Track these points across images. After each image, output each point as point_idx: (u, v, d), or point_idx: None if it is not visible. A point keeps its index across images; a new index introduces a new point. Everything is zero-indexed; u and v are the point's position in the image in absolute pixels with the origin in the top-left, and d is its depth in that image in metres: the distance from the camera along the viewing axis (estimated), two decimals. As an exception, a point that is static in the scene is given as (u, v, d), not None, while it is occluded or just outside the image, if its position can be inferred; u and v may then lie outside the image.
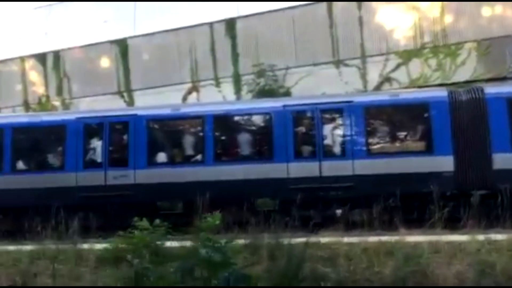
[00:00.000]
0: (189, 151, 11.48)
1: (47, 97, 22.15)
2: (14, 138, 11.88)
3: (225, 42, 19.91)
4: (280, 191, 10.46)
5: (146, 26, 21.08)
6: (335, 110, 10.97)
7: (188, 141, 11.57)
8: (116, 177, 11.06)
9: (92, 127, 11.73)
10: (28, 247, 8.95)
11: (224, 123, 11.64)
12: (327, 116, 11.00)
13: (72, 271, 7.46)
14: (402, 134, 11.13)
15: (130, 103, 20.96)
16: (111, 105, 18.70)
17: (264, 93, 18.15)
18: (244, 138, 11.28)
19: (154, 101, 18.16)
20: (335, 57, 18.38)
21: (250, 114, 11.60)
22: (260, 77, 18.79)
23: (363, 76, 18.10)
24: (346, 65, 18.26)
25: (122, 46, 21.35)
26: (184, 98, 20.09)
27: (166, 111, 11.79)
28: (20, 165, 11.92)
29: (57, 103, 21.97)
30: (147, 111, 11.91)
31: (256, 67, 18.69)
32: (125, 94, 21.29)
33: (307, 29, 18.73)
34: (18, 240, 9.79)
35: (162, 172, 11.07)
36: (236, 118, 11.72)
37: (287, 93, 18.19)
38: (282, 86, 18.70)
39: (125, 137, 11.59)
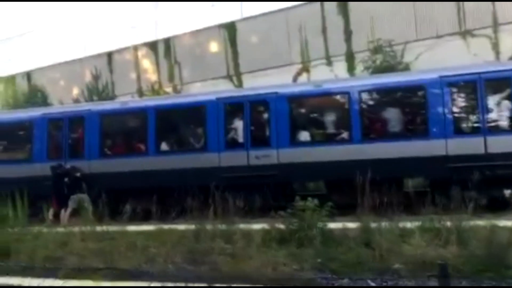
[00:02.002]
0: (334, 129, 11.05)
1: (160, 83, 22.82)
2: (157, 120, 12.12)
3: (336, 20, 19.18)
4: (436, 170, 9.69)
5: (253, 7, 20.92)
6: (502, 79, 9.86)
7: (333, 118, 11.12)
8: (259, 157, 10.92)
9: (233, 107, 11.62)
10: (182, 227, 9.10)
11: (371, 98, 11.01)
12: (493, 85, 9.92)
13: (244, 250, 7.37)
14: None
15: (239, 86, 20.98)
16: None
17: (381, 70, 17.22)
18: (394, 113, 10.58)
19: (264, 83, 17.96)
20: (461, 28, 16.91)
21: (400, 88, 10.82)
22: (376, 54, 17.85)
23: (495, 46, 16.50)
24: (474, 35, 16.76)
25: (230, 30, 21.38)
26: (294, 79, 19.69)
27: (308, 88, 11.41)
28: (164, 146, 12.18)
29: (168, 89, 22.58)
30: (288, 88, 11.58)
31: (372, 43, 17.75)
32: (234, 78, 21.35)
33: (428, -2, 17.40)
34: (170, 220, 9.98)
35: (306, 151, 10.72)
36: (384, 92, 11.01)
37: (407, 69, 17.10)
38: (401, 62, 17.62)
39: (266, 116, 11.37)
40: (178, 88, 22.44)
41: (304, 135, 11.10)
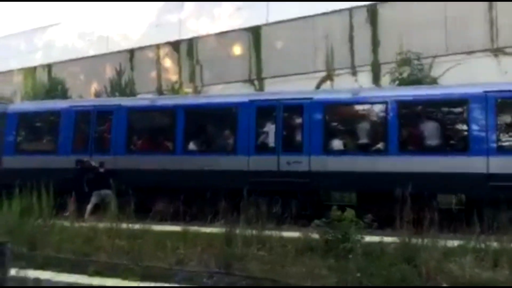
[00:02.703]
0: (370, 139, 10.76)
1: (180, 83, 22.66)
2: (186, 119, 11.92)
3: (364, 29, 18.97)
4: (476, 188, 9.39)
5: (279, 13, 20.75)
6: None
7: (369, 128, 10.85)
8: (290, 162, 10.67)
9: (265, 110, 11.35)
10: (211, 229, 8.86)
11: (410, 109, 10.74)
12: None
13: (280, 258, 7.12)
14: None
15: (260, 90, 20.76)
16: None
17: (408, 83, 16.97)
18: (433, 126, 10.28)
19: (286, 89, 17.72)
20: (493, 45, 16.63)
21: (442, 100, 10.53)
22: (403, 66, 17.59)
23: (526, 65, 16.19)
24: (506, 53, 16.47)
25: (255, 34, 21.23)
26: (318, 87, 19.47)
27: (345, 96, 11.15)
28: (192, 146, 11.96)
29: (189, 89, 22.41)
30: (324, 94, 11.35)
31: (400, 55, 17.50)
32: (255, 82, 21.17)
33: (461, 13, 17.14)
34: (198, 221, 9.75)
35: (339, 160, 10.44)
36: (425, 104, 10.74)
37: (434, 83, 16.83)
38: (428, 76, 17.35)
39: (299, 121, 11.12)
40: (198, 89, 22.28)
41: (338, 143, 10.85)
